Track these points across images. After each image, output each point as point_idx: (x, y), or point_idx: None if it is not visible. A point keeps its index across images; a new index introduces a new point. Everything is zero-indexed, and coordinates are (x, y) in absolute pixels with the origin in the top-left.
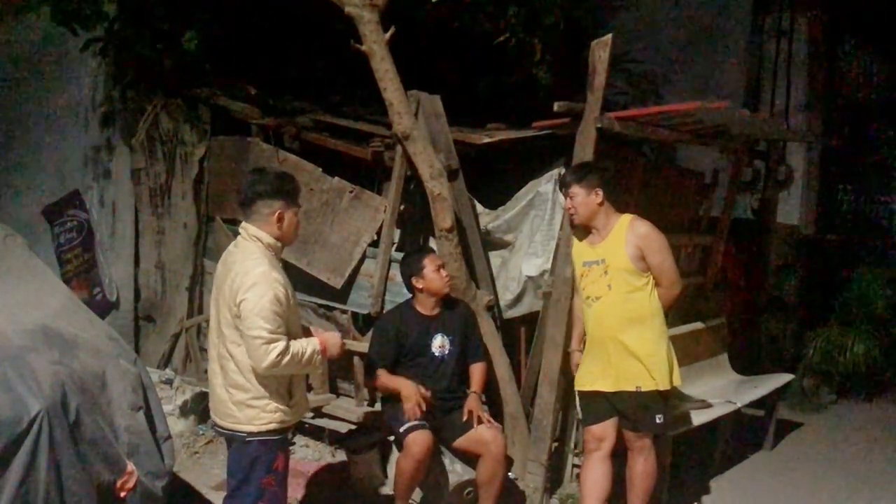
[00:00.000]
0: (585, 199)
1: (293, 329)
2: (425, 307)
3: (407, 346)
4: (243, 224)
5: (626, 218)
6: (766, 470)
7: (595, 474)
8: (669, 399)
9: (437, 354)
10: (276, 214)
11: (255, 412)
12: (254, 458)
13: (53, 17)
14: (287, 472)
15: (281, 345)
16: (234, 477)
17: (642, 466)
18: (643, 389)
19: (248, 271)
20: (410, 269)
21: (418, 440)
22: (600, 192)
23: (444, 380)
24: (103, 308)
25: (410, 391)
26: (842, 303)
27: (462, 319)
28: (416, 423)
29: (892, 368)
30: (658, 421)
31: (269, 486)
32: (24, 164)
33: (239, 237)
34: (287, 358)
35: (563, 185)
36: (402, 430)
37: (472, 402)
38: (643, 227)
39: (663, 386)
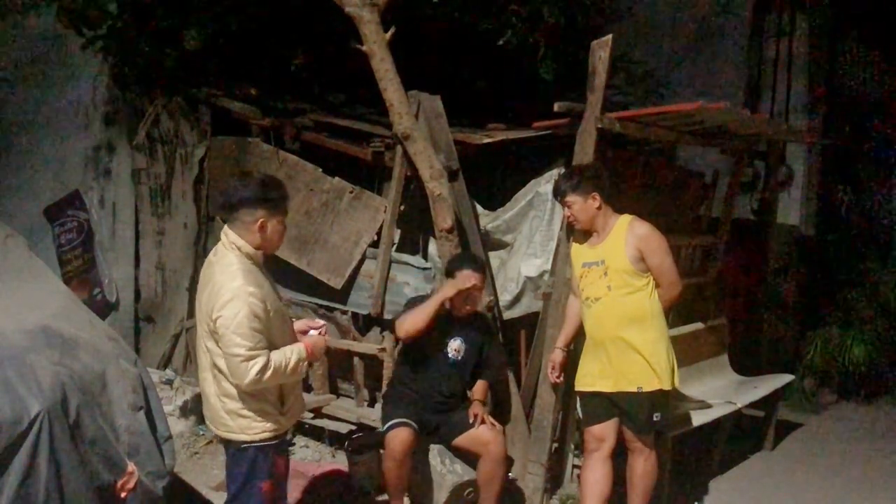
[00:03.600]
0: (583, 205)
1: (278, 337)
2: (455, 307)
3: (425, 338)
4: (225, 229)
5: (626, 219)
6: (766, 470)
7: (595, 475)
8: (670, 399)
9: (450, 357)
10: (259, 223)
11: (247, 421)
12: (252, 464)
13: (59, 18)
14: (287, 475)
15: (261, 360)
16: (234, 483)
17: (643, 467)
18: (644, 390)
19: (223, 285)
20: (451, 268)
21: (395, 438)
22: (597, 196)
23: (453, 385)
24: (103, 309)
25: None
26: (843, 303)
27: (483, 332)
28: (397, 420)
29: (893, 369)
30: (655, 419)
31: (269, 491)
32: (25, 165)
33: (219, 243)
34: (269, 373)
35: (559, 193)
36: (384, 427)
37: (477, 407)
38: (642, 228)
39: (665, 385)
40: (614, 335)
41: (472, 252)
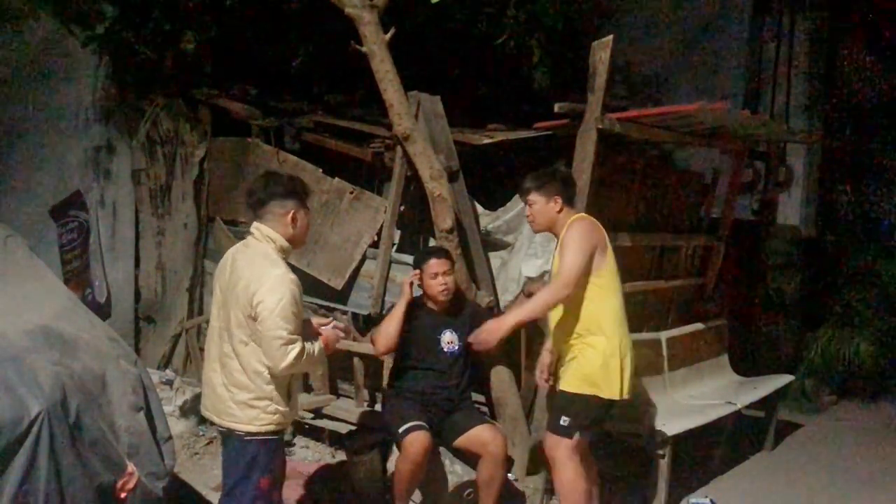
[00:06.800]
0: (544, 206)
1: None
2: (433, 303)
3: (417, 340)
4: (255, 224)
5: (572, 220)
6: (766, 471)
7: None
8: (590, 408)
9: (445, 350)
10: (290, 215)
11: (255, 412)
12: (252, 458)
13: (54, 17)
14: (283, 474)
15: (299, 345)
16: (232, 476)
17: (554, 475)
18: (561, 388)
19: (266, 273)
20: (416, 264)
21: (416, 441)
22: (559, 200)
23: (454, 378)
24: (92, 309)
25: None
26: (844, 303)
27: (471, 317)
28: (414, 423)
29: (893, 369)
30: (562, 422)
31: (266, 487)
32: (25, 165)
33: (249, 238)
34: (304, 358)
35: (523, 191)
36: (400, 430)
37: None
38: (572, 227)
39: (580, 390)
40: (560, 338)
41: (438, 245)
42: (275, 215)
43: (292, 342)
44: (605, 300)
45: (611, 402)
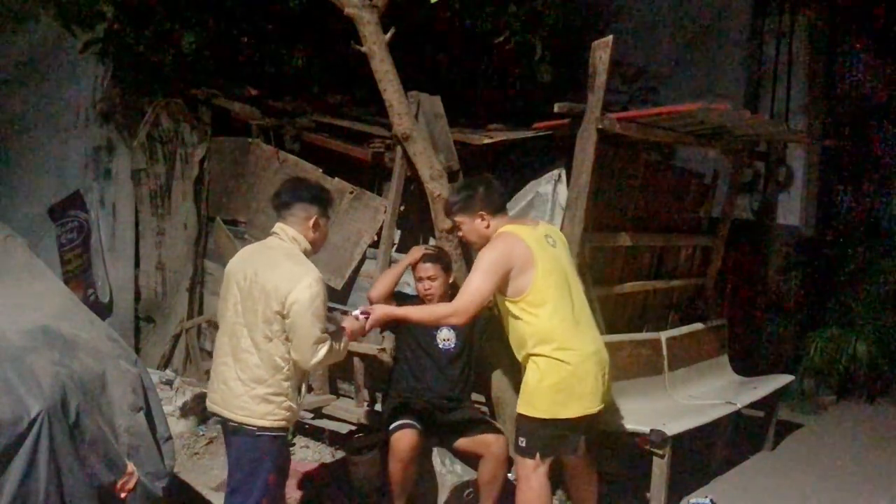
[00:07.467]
0: (471, 225)
1: None
2: (424, 299)
3: (414, 336)
4: (279, 225)
5: (496, 234)
6: (766, 471)
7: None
8: (545, 428)
9: (441, 347)
10: (313, 220)
11: (271, 407)
12: (262, 453)
13: (56, 18)
14: (288, 471)
15: (329, 342)
16: (240, 470)
17: (518, 491)
18: (517, 411)
19: (300, 272)
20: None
21: (403, 438)
22: (485, 215)
23: (453, 376)
24: (95, 309)
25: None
26: (843, 303)
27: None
28: (403, 421)
29: (893, 369)
30: (520, 443)
31: (273, 483)
32: (25, 165)
33: (272, 238)
34: (332, 353)
35: (448, 212)
36: (389, 428)
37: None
38: (486, 248)
39: (525, 412)
40: (518, 357)
41: (439, 247)
42: (298, 218)
43: (323, 341)
44: (539, 316)
45: (566, 419)
